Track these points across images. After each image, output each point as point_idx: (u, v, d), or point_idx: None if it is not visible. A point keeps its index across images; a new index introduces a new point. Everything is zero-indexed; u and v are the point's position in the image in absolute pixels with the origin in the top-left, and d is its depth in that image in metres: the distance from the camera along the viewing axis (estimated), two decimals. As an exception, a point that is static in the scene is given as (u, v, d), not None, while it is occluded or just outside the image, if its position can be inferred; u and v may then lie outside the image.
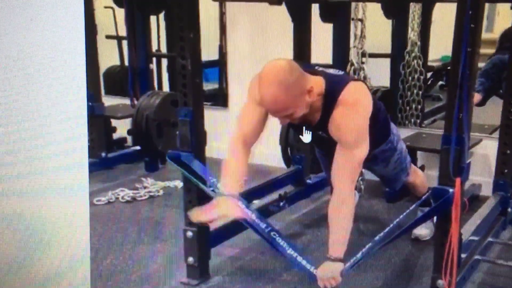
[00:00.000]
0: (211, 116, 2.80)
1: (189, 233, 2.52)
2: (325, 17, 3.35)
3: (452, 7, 1.99)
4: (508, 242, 2.91)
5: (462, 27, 1.91)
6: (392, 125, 2.59)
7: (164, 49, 4.91)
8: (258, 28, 4.20)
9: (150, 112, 3.97)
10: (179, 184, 3.71)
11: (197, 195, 2.48)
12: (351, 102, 2.13)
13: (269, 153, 4.06)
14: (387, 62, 4.02)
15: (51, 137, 1.46)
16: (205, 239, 2.56)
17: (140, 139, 4.14)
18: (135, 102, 4.27)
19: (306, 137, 2.38)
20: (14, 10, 1.39)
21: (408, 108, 4.05)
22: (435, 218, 2.45)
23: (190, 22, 2.37)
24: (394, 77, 3.98)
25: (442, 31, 3.81)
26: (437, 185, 2.10)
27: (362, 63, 3.34)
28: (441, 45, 4.28)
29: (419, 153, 3.62)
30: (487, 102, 4.22)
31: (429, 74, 4.67)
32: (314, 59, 3.17)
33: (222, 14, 4.59)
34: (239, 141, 2.28)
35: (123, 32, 4.63)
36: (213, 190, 2.37)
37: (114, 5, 4.58)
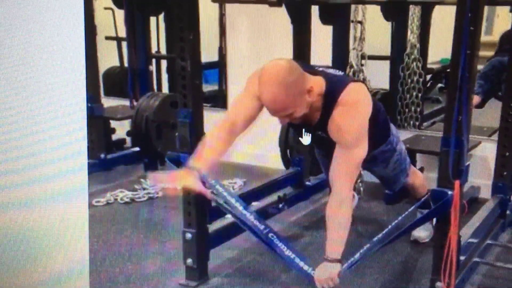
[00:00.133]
0: (211, 118, 2.79)
1: (188, 235, 2.52)
2: (324, 19, 3.35)
3: (452, 10, 2.00)
4: (507, 244, 2.91)
5: (461, 30, 1.92)
6: (392, 126, 2.59)
7: (163, 51, 4.91)
8: (258, 30, 4.21)
9: (149, 113, 3.97)
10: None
11: (196, 196, 2.48)
12: (351, 103, 2.13)
13: (268, 155, 4.07)
14: (386, 64, 4.02)
15: (50, 140, 1.46)
16: (204, 241, 2.56)
17: (139, 140, 4.14)
18: (135, 103, 4.27)
19: (306, 139, 2.38)
20: (14, 12, 1.39)
21: (407, 110, 4.05)
22: (434, 220, 2.45)
23: (190, 24, 2.37)
24: (393, 79, 3.98)
25: (441, 33, 3.81)
26: (436, 187, 2.10)
27: (362, 65, 3.34)
28: (440, 48, 4.29)
29: (418, 155, 3.63)
30: (486, 104, 4.22)
31: (428, 77, 4.68)
32: (314, 61, 3.17)
33: (222, 16, 4.60)
34: (226, 126, 2.25)
35: (122, 33, 4.63)
36: (212, 192, 2.36)
37: (113, 6, 4.57)
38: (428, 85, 4.90)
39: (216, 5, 4.48)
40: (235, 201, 2.32)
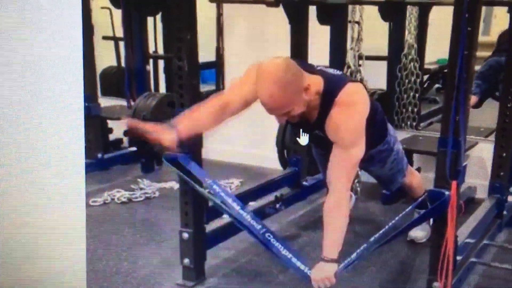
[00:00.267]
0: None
1: (185, 235, 2.51)
2: (322, 19, 3.35)
3: (449, 10, 2.00)
4: (504, 244, 2.92)
5: (459, 30, 1.92)
6: (389, 126, 2.59)
7: (161, 50, 4.91)
8: (255, 30, 4.21)
9: (146, 113, 3.97)
10: (175, 185, 3.71)
11: (193, 196, 2.48)
12: (349, 102, 2.13)
13: (266, 155, 4.07)
14: (384, 64, 4.02)
15: (47, 140, 1.46)
16: (201, 241, 2.56)
17: (136, 140, 4.13)
18: (132, 103, 4.27)
19: (303, 139, 2.39)
20: (10, 11, 1.39)
21: (404, 110, 4.06)
22: (431, 220, 2.45)
23: (188, 24, 2.37)
24: (390, 79, 3.99)
25: (439, 34, 3.81)
26: (434, 188, 2.10)
27: (359, 65, 3.34)
28: (437, 48, 4.30)
29: (415, 155, 3.63)
30: (483, 104, 4.24)
31: (425, 77, 4.69)
32: (311, 61, 3.16)
33: (219, 16, 4.60)
34: (219, 104, 2.25)
35: (120, 33, 4.63)
36: (209, 192, 2.36)
37: (111, 6, 4.57)
38: (426, 85, 4.91)
39: (214, 5, 4.48)
40: (232, 201, 2.32)
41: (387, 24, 3.92)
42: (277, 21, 3.32)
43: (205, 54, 4.30)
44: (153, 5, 4.44)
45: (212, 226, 2.63)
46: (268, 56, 2.11)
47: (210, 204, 2.53)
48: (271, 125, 3.68)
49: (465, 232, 2.40)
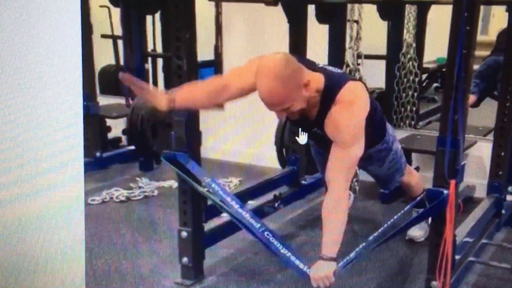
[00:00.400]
0: (206, 117, 2.79)
1: (184, 233, 2.51)
2: (321, 18, 3.35)
3: (448, 9, 2.00)
4: (502, 243, 2.92)
5: (457, 29, 1.92)
6: (388, 126, 2.59)
7: (159, 49, 4.90)
8: (254, 29, 4.21)
9: (145, 112, 3.96)
10: (173, 184, 3.71)
11: (192, 195, 2.48)
12: (349, 101, 2.13)
13: (264, 154, 4.07)
14: (382, 63, 4.02)
15: (46, 138, 1.46)
16: (199, 240, 2.56)
17: (135, 139, 4.13)
18: (130, 101, 4.26)
19: (302, 138, 2.38)
20: (10, 10, 1.38)
21: (403, 109, 4.06)
22: (429, 219, 2.45)
23: (186, 22, 2.37)
24: (389, 78, 3.99)
25: (437, 33, 3.82)
26: (432, 187, 2.10)
27: (358, 64, 3.34)
28: (436, 47, 4.30)
29: (414, 154, 3.63)
30: (481, 103, 4.23)
31: (424, 76, 4.69)
32: (310, 60, 3.17)
33: (218, 14, 4.59)
34: (217, 85, 2.26)
35: (118, 31, 4.62)
36: (208, 191, 2.36)
37: (109, 4, 4.56)
38: (424, 84, 4.91)
39: (212, 4, 4.47)
40: (231, 200, 2.32)
41: (385, 23, 3.92)
42: (276, 20, 3.31)
43: (204, 53, 4.29)
44: (152, 4, 4.43)
45: (210, 225, 2.63)
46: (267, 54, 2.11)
47: (209, 203, 2.53)
48: (270, 124, 3.68)
49: (463, 231, 2.40)
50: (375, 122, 2.37)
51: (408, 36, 3.99)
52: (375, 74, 3.91)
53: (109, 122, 4.41)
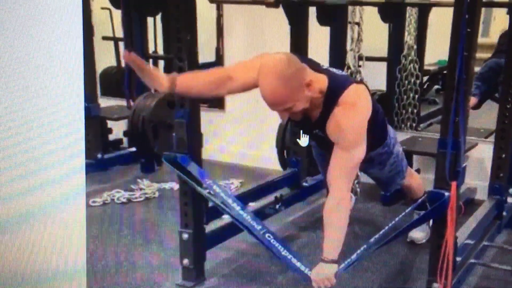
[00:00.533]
0: (208, 118, 2.80)
1: (185, 235, 2.51)
2: (322, 20, 3.35)
3: (449, 11, 2.00)
4: (503, 245, 2.91)
5: (458, 31, 1.92)
6: (390, 129, 2.59)
7: (160, 51, 4.90)
8: (255, 31, 4.21)
9: (146, 113, 3.97)
10: (175, 186, 3.71)
11: (193, 197, 2.48)
12: (352, 103, 2.13)
13: (265, 156, 4.07)
14: (383, 65, 4.02)
15: (48, 140, 1.46)
16: (200, 241, 2.56)
17: (136, 141, 4.13)
18: (131, 103, 4.26)
19: (304, 140, 2.38)
20: (11, 12, 1.39)
21: (404, 111, 4.05)
22: (431, 221, 2.45)
23: (187, 23, 2.37)
24: (390, 80, 3.98)
25: (438, 35, 3.81)
26: (433, 189, 2.10)
27: (359, 66, 3.34)
28: (437, 49, 4.29)
29: (415, 156, 3.63)
30: (482, 105, 4.23)
31: (425, 78, 4.68)
32: (311, 62, 3.17)
33: (219, 16, 4.59)
34: (220, 76, 2.24)
35: (119, 33, 4.63)
36: (209, 192, 2.37)
37: (111, 6, 4.57)
38: (425, 86, 4.90)
39: (213, 5, 4.48)
40: (232, 201, 2.32)
41: (387, 25, 3.92)
42: (277, 22, 3.32)
43: (205, 55, 4.30)
44: (153, 6, 4.44)
45: (211, 226, 2.63)
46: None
47: (210, 204, 2.53)
48: (271, 126, 3.68)
49: (464, 233, 2.40)
50: (377, 125, 2.37)
51: (409, 38, 3.99)
52: (376, 76, 3.91)
53: (110, 123, 4.41)
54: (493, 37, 4.61)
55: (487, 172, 3.11)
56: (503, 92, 2.99)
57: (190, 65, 2.38)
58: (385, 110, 2.79)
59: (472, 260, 2.58)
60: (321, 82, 2.14)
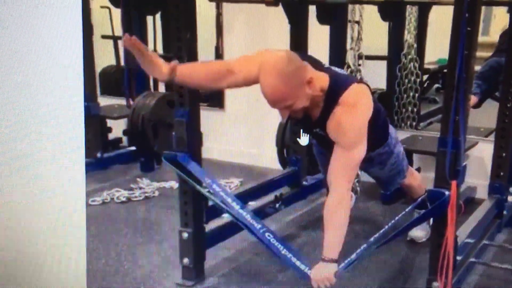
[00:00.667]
0: (207, 117, 2.79)
1: (185, 234, 2.51)
2: (322, 19, 3.35)
3: (449, 10, 1.99)
4: (503, 244, 2.91)
5: (458, 30, 1.92)
6: (391, 128, 2.58)
7: (160, 50, 4.90)
8: (254, 29, 4.21)
9: (146, 112, 3.97)
10: (174, 185, 3.71)
11: (193, 196, 2.48)
12: (353, 102, 2.12)
13: (265, 155, 4.07)
14: (383, 64, 4.02)
15: (48, 139, 1.45)
16: (200, 240, 2.56)
17: (135, 140, 4.13)
18: (131, 102, 4.26)
19: (304, 139, 2.38)
20: (11, 10, 1.38)
21: (404, 110, 4.05)
22: (431, 220, 2.45)
23: (187, 22, 2.37)
24: (390, 79, 3.98)
25: (438, 33, 3.81)
26: (433, 188, 2.10)
27: (359, 65, 3.34)
28: (437, 48, 4.29)
29: (415, 155, 3.63)
30: (482, 104, 4.22)
31: (425, 77, 4.68)
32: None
33: (218, 15, 4.59)
34: (221, 68, 2.22)
35: (119, 32, 4.62)
36: (209, 191, 2.36)
37: (110, 5, 4.56)
38: (425, 85, 4.90)
39: (213, 4, 4.47)
40: (232, 200, 2.32)
41: (387, 24, 3.92)
42: (277, 20, 3.32)
43: (205, 53, 4.29)
44: (153, 4, 4.43)
45: (211, 225, 2.63)
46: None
47: (210, 203, 2.53)
48: (271, 125, 3.68)
49: (465, 232, 2.40)
50: (378, 125, 2.36)
51: (409, 37, 3.99)
52: (376, 75, 3.91)
53: (109, 122, 4.41)
54: (494, 35, 4.61)
55: (487, 171, 3.11)
56: (503, 91, 2.99)
57: (190, 63, 2.38)
58: (385, 109, 2.79)
59: (472, 259, 2.58)
60: (322, 80, 2.13)
